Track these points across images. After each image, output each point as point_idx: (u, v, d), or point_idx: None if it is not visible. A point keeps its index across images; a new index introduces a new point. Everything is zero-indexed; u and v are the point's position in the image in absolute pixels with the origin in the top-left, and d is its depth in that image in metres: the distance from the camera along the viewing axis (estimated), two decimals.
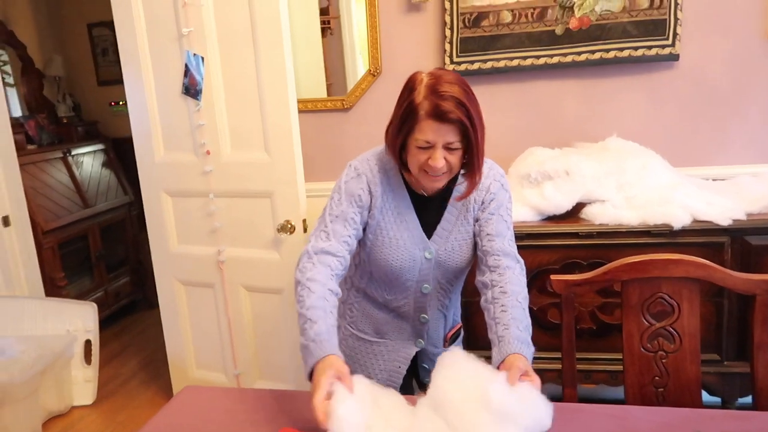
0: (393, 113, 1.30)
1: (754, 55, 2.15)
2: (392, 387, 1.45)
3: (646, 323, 1.32)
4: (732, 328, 1.85)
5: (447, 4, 2.22)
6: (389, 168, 1.38)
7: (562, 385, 1.38)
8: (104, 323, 3.70)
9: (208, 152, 2.33)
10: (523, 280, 1.32)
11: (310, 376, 1.13)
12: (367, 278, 1.47)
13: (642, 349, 1.33)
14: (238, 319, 2.47)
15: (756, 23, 2.13)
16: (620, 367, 1.79)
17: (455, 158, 1.25)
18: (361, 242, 1.41)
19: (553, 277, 1.36)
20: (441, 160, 1.22)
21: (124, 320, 3.88)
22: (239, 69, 2.22)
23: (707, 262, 1.28)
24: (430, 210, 1.40)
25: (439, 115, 1.19)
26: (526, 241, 1.89)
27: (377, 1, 2.33)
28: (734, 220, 1.77)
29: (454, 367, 1.13)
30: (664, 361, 1.32)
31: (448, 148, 1.23)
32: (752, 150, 2.20)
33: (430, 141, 1.21)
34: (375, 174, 1.37)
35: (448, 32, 2.24)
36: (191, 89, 2.30)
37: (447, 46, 2.24)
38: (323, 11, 2.52)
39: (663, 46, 2.12)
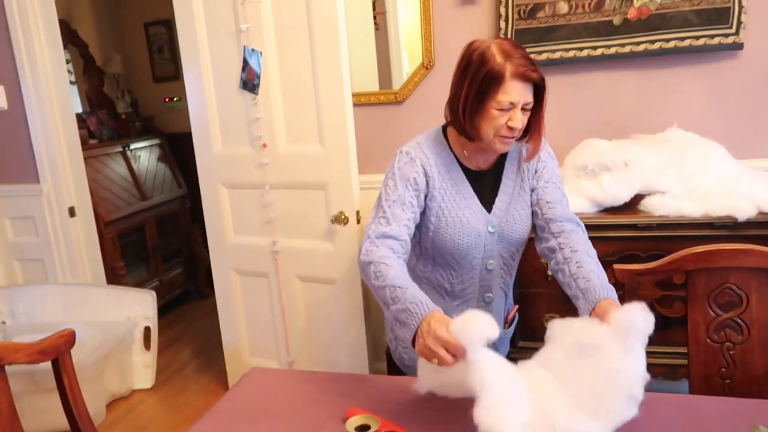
0: (459, 85, 1.32)
1: None
2: None
3: (713, 314, 1.30)
4: None
5: None
6: (441, 148, 1.42)
7: None
8: (159, 312, 3.83)
9: (264, 145, 2.38)
10: (588, 239, 1.37)
11: (413, 340, 1.12)
12: (431, 265, 1.49)
13: (708, 340, 1.31)
14: (291, 307, 2.53)
15: None
16: (680, 361, 1.77)
17: (526, 119, 1.32)
18: (422, 227, 1.43)
19: (616, 266, 1.36)
20: (521, 120, 1.29)
21: (177, 310, 4.01)
22: (295, 64, 2.26)
23: None
24: (485, 184, 1.44)
25: (524, 76, 1.25)
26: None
27: None
28: None
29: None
30: (731, 352, 1.30)
31: (524, 108, 1.29)
32: None
33: (514, 101, 1.27)
34: (429, 156, 1.40)
35: (503, 24, 2.23)
36: (249, 84, 2.36)
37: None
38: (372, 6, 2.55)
39: (726, 35, 2.06)
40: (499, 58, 1.26)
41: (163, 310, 3.87)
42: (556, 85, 2.30)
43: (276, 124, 2.36)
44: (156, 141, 4.07)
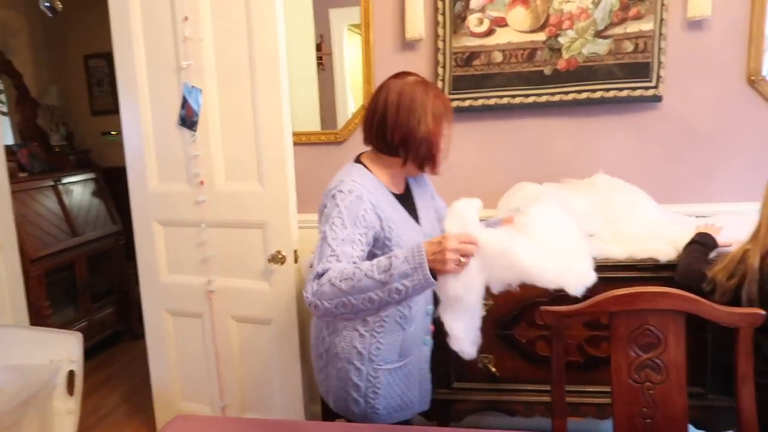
0: (428, 117, 1.44)
1: (735, 99, 2.24)
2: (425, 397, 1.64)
3: (634, 354, 1.35)
4: (716, 362, 1.87)
5: (440, 44, 2.29)
6: (372, 181, 1.48)
7: (552, 417, 1.39)
8: (88, 354, 3.64)
9: (202, 182, 2.35)
10: None
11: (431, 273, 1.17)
12: None
13: (630, 381, 1.35)
14: (225, 349, 2.46)
15: (738, 68, 2.22)
16: (607, 400, 1.81)
17: None
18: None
19: (543, 308, 1.39)
20: None
21: (108, 351, 3.83)
22: (236, 102, 2.26)
23: (693, 295, 1.32)
24: (408, 205, 1.57)
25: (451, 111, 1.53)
26: None
27: (372, 39, 2.40)
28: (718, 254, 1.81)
29: None
30: (651, 392, 1.34)
31: None
32: (733, 189, 2.27)
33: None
34: (369, 190, 1.43)
35: (440, 70, 2.31)
36: (187, 120, 2.34)
37: (439, 84, 2.31)
38: (317, 47, 2.59)
39: (647, 88, 2.20)
40: (439, 96, 1.49)
41: (92, 352, 3.69)
42: (491, 130, 2.39)
43: (215, 162, 2.34)
44: (91, 175, 3.94)
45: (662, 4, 2.14)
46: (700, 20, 2.17)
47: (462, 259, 1.16)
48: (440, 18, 2.27)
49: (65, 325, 3.39)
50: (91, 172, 3.97)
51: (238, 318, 2.42)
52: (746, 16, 2.17)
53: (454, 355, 1.25)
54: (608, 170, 2.26)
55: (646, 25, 2.15)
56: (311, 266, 1.32)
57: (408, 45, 2.37)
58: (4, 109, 3.84)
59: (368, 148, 1.58)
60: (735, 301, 1.50)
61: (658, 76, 2.19)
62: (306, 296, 1.24)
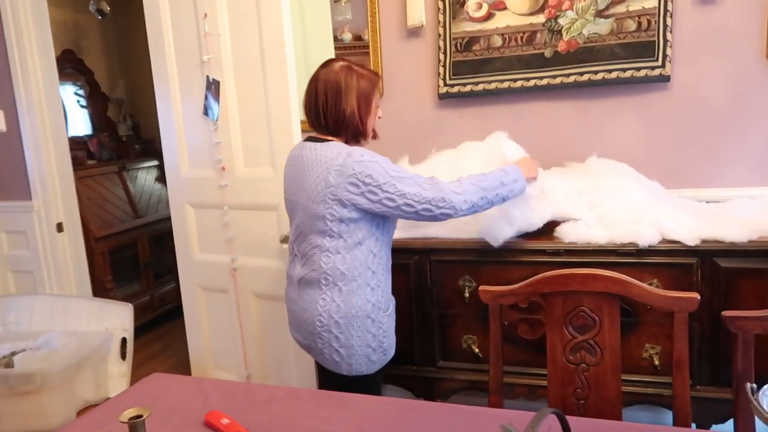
0: (352, 98, 1.63)
1: (752, 75, 2.11)
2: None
3: (569, 335, 1.36)
4: (704, 353, 1.81)
5: (441, 30, 2.33)
6: None
7: (488, 392, 1.43)
8: (149, 325, 4.02)
9: (223, 168, 2.54)
10: None
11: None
12: (387, 251, 1.72)
13: (565, 361, 1.37)
14: (248, 323, 2.65)
15: (755, 43, 2.09)
16: (539, 382, 1.84)
17: None
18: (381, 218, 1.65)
19: (481, 288, 1.43)
20: None
21: (168, 324, 4.18)
22: (251, 92, 2.42)
23: (625, 277, 1.31)
24: None
25: (378, 76, 1.72)
26: (497, 256, 1.95)
27: (379, 27, 2.47)
28: (703, 241, 1.74)
29: None
30: (586, 374, 1.35)
31: None
32: (750, 172, 2.15)
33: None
34: None
35: (441, 56, 2.34)
36: (210, 110, 2.53)
37: (441, 69, 2.34)
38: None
39: (652, 68, 2.12)
40: (367, 72, 1.67)
41: (153, 324, 4.05)
42: (492, 114, 2.40)
43: (234, 149, 2.52)
44: (154, 162, 4.29)
45: None
46: None
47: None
48: (440, 4, 2.30)
49: (128, 299, 3.74)
50: (155, 159, 4.32)
51: (258, 295, 2.60)
52: None
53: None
54: (614, 154, 2.21)
55: (650, 2, 2.07)
56: (410, 195, 1.55)
57: (412, 32, 2.43)
58: (83, 102, 4.27)
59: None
60: None
61: (665, 55, 2.10)
62: (450, 200, 1.55)
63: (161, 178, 4.32)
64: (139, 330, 3.72)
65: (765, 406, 0.95)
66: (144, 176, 4.19)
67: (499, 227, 1.87)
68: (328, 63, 1.69)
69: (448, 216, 1.58)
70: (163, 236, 4.22)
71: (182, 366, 3.47)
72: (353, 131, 1.66)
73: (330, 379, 1.77)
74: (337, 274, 1.62)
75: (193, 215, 2.74)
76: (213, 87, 2.49)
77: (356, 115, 1.64)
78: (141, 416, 1.10)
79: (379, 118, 1.74)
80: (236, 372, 2.78)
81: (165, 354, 3.71)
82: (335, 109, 1.63)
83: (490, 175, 1.65)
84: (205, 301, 2.82)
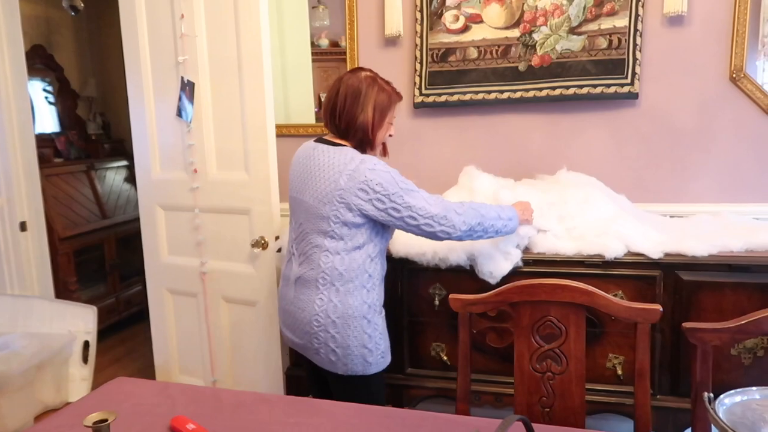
0: (368, 107, 1.69)
1: (716, 95, 2.18)
2: None
3: (536, 344, 1.38)
4: (665, 364, 1.86)
5: (418, 40, 2.35)
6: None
7: (456, 399, 1.45)
8: (115, 328, 3.94)
9: (195, 170, 2.51)
10: None
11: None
12: (381, 262, 1.76)
13: (531, 369, 1.39)
14: (217, 328, 2.62)
15: (720, 65, 2.17)
16: (505, 390, 1.88)
17: None
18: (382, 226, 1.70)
19: (451, 296, 1.45)
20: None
21: (133, 328, 4.10)
22: (226, 95, 2.40)
23: (591, 288, 1.34)
24: None
25: (399, 96, 1.77)
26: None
27: (357, 35, 2.48)
28: (667, 255, 1.80)
29: None
30: (551, 382, 1.37)
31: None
32: (711, 189, 2.22)
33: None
34: None
35: (417, 66, 2.37)
36: (184, 112, 2.50)
37: (417, 79, 2.37)
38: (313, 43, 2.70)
39: (622, 85, 2.18)
40: (386, 85, 1.72)
41: (118, 326, 3.97)
42: (466, 125, 2.43)
43: (207, 152, 2.49)
44: (123, 163, 4.22)
45: (637, 0, 2.11)
46: (678, 16, 2.14)
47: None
48: (418, 15, 2.33)
49: (93, 301, 3.67)
50: (124, 159, 4.25)
51: (227, 299, 2.58)
52: (727, 12, 2.12)
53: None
54: (584, 167, 2.26)
55: (620, 22, 2.13)
56: (418, 213, 1.61)
57: (389, 41, 2.45)
58: (52, 99, 4.18)
59: None
60: None
61: (634, 73, 2.16)
62: (451, 219, 1.61)
63: (131, 179, 4.25)
64: (103, 333, 3.65)
65: (721, 416, 0.98)
66: (113, 176, 4.11)
67: (496, 262, 1.91)
68: (355, 70, 1.76)
69: (447, 235, 1.64)
70: (130, 238, 4.14)
71: (147, 370, 3.41)
72: (361, 138, 1.70)
73: (325, 381, 1.79)
74: (335, 275, 1.65)
75: (163, 217, 2.71)
76: (187, 88, 2.46)
77: (368, 124, 1.69)
78: (106, 420, 1.09)
79: (390, 136, 1.79)
80: (202, 377, 2.74)
81: (129, 358, 3.63)
82: (350, 113, 1.68)
83: (489, 206, 1.75)
84: (172, 304, 2.78)
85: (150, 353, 3.63)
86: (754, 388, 1.06)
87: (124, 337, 3.95)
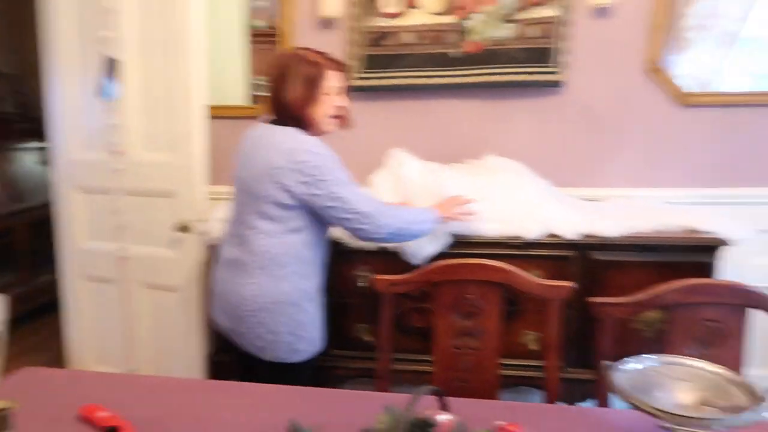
0: (293, 85, 1.59)
1: (634, 87, 2.29)
2: None
3: (455, 322, 1.41)
4: (574, 337, 1.92)
5: (353, 23, 2.33)
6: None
7: (375, 378, 1.45)
8: (26, 318, 3.72)
9: (119, 151, 2.39)
10: None
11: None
12: (323, 246, 1.74)
13: (450, 346, 1.41)
14: (136, 315, 2.52)
15: (638, 57, 2.27)
16: (424, 368, 1.88)
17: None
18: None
19: (375, 276, 1.45)
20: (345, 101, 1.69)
21: (47, 317, 3.87)
22: (153, 74, 2.31)
23: (508, 266, 1.38)
24: None
25: (338, 65, 1.66)
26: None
27: (294, 15, 2.43)
28: (581, 236, 1.88)
29: None
30: (468, 358, 1.41)
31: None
32: (625, 175, 2.34)
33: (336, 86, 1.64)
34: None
35: (354, 49, 2.35)
36: (107, 91, 2.37)
37: (351, 63, 2.35)
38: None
39: (548, 73, 2.24)
40: (313, 58, 1.62)
41: (31, 316, 3.75)
42: (400, 110, 2.44)
43: (132, 132, 2.39)
44: (38, 144, 3.97)
45: None
46: (604, 8, 2.22)
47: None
48: None
49: (2, 290, 3.43)
50: (39, 141, 3.99)
51: (148, 285, 2.48)
52: (649, 5, 2.22)
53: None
54: (510, 152, 2.31)
55: (549, 11, 2.20)
56: (346, 207, 1.57)
57: (326, 23, 2.42)
58: None
59: None
60: None
61: (560, 62, 2.23)
62: (377, 219, 1.57)
63: (46, 162, 4.01)
64: (15, 323, 3.42)
65: (620, 382, 1.03)
66: (25, 158, 3.87)
67: (420, 244, 1.90)
68: (287, 50, 1.71)
69: (368, 235, 1.61)
70: (44, 223, 3.90)
71: (60, 360, 3.23)
72: (295, 116, 1.61)
73: (252, 368, 1.72)
74: (268, 258, 1.60)
75: (81, 201, 2.58)
76: (111, 66, 2.34)
77: (297, 101, 1.59)
78: (5, 409, 1.03)
79: (341, 107, 1.69)
80: (120, 366, 2.62)
81: (43, 347, 3.44)
82: (279, 92, 1.60)
83: (414, 211, 1.76)
84: (87, 291, 2.65)
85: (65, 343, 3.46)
86: (653, 356, 1.12)
87: (36, 327, 3.73)
